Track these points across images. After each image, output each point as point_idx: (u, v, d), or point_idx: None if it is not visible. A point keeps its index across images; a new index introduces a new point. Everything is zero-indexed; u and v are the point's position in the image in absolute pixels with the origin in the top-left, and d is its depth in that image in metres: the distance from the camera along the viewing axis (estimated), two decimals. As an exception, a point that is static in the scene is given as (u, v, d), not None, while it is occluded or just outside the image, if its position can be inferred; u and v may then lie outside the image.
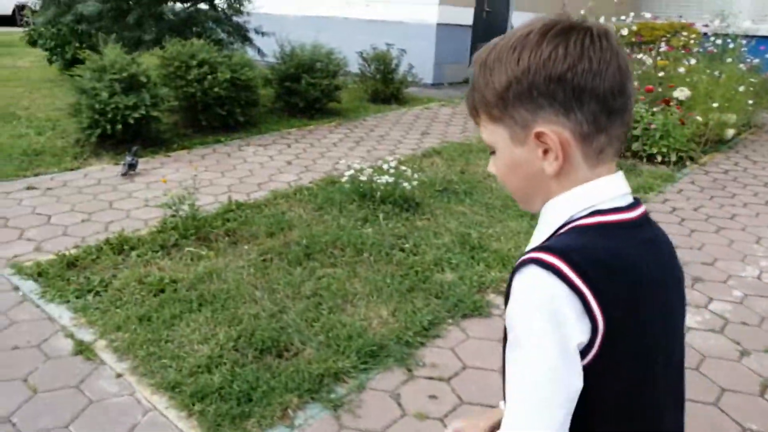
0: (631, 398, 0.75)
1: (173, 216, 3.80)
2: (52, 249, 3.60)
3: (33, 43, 9.41)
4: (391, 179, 4.23)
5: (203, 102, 6.25)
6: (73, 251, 3.54)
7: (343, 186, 4.60)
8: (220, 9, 7.71)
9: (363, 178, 4.29)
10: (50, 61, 9.51)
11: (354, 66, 8.54)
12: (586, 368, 0.69)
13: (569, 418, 0.68)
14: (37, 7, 7.85)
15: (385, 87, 8.66)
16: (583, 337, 0.68)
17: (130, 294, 3.08)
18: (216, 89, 6.17)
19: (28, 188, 4.65)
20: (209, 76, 6.17)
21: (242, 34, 7.73)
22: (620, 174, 0.79)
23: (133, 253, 3.54)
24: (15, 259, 3.47)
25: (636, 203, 0.79)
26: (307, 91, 7.21)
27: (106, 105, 5.39)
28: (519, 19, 11.85)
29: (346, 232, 3.86)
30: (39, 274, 3.27)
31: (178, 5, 7.49)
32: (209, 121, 6.40)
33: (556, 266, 0.68)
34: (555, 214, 0.77)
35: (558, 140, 0.73)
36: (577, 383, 0.68)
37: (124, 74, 5.56)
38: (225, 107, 6.35)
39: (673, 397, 0.83)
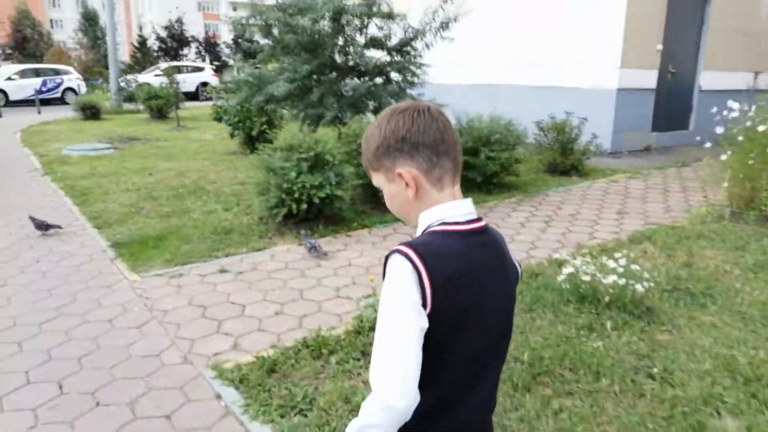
0: (446, 353, 1.11)
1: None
2: (250, 348, 3.37)
3: (218, 119, 10.10)
4: (621, 280, 3.53)
5: (383, 179, 6.04)
6: (271, 352, 3.27)
7: (553, 281, 3.98)
8: (395, 82, 7.65)
9: (585, 278, 3.64)
10: (232, 135, 10.12)
11: (528, 135, 8.01)
12: (428, 316, 1.06)
13: (420, 353, 1.05)
14: (222, 84, 8.38)
15: (564, 158, 7.99)
16: (418, 297, 1.06)
17: (338, 417, 2.68)
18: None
19: (221, 271, 4.60)
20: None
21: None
22: (467, 200, 1.19)
23: (333, 359, 3.19)
24: (215, 358, 3.27)
25: (477, 219, 1.18)
26: (485, 165, 6.78)
27: (293, 184, 5.34)
28: (708, 79, 10.66)
29: (572, 347, 3.22)
30: (240, 380, 3.01)
31: (356, 81, 7.54)
32: (388, 197, 6.16)
33: (407, 254, 1.08)
34: (421, 224, 1.19)
35: (410, 176, 1.16)
36: (422, 321, 1.06)
37: (311, 153, 5.51)
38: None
39: (493, 361, 1.21)
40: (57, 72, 25.20)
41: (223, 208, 6.35)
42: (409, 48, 7.34)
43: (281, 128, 9.88)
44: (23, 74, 23.72)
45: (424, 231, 1.17)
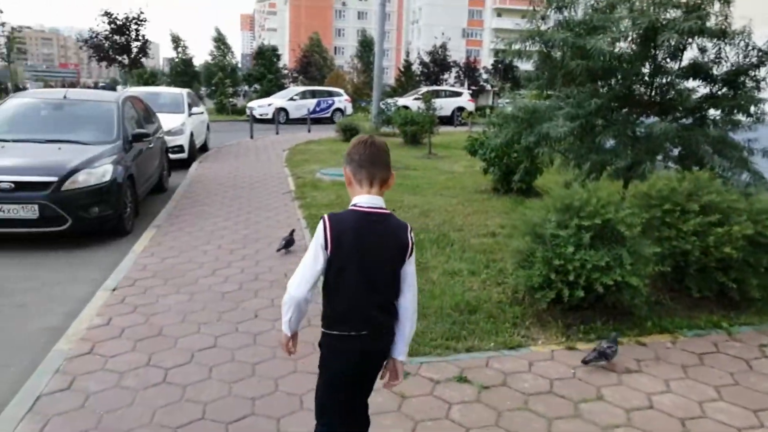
0: (336, 279, 2.01)
1: None
2: None
3: (473, 151, 9.03)
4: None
5: (699, 264, 4.19)
6: None
7: None
8: (713, 122, 5.63)
9: None
10: (486, 172, 8.96)
11: None
12: (328, 258, 1.99)
13: (316, 274, 2.01)
14: (481, 116, 7.26)
15: None
16: (323, 240, 1.97)
17: None
18: (725, 248, 4.04)
19: (459, 379, 3.34)
20: (717, 229, 4.09)
21: (743, 160, 5.43)
22: (377, 198, 2.04)
23: None
24: None
25: (380, 209, 2.04)
26: None
27: (569, 262, 3.85)
28: None
29: None
30: None
31: (655, 119, 5.71)
32: (701, 289, 4.28)
33: (324, 217, 2.00)
34: (350, 204, 2.06)
35: (349, 175, 2.08)
36: (323, 261, 1.99)
37: (597, 220, 3.95)
38: (733, 275, 4.15)
39: (373, 293, 2.04)
40: (330, 94, 27.43)
41: (468, 270, 5.14)
42: (745, 78, 5.28)
43: (541, 171, 8.47)
44: (303, 95, 26.27)
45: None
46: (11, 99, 7.91)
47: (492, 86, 47.27)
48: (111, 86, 45.48)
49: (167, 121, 11.66)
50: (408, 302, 2.11)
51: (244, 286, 4.86)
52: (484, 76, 45.52)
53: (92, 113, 7.48)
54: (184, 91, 13.63)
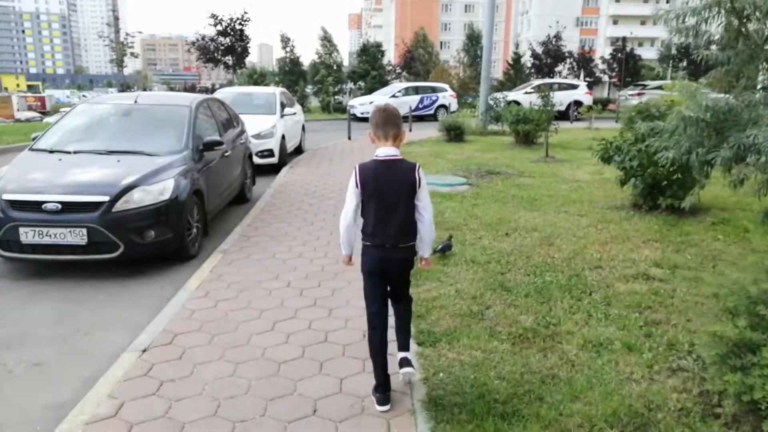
0: (365, 207, 2.88)
1: None
2: None
3: (606, 159, 7.27)
4: None
5: None
6: None
7: None
8: None
9: None
10: (623, 183, 7.17)
11: None
12: (360, 194, 2.88)
13: (358, 207, 2.92)
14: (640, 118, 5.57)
15: None
16: (355, 183, 2.86)
17: None
18: None
19: None
20: None
21: None
22: (391, 148, 2.85)
23: None
24: None
25: (394, 155, 2.85)
26: None
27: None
28: None
29: None
30: None
31: None
32: None
33: (355, 167, 2.88)
34: (375, 155, 2.91)
35: (372, 135, 2.92)
36: (358, 197, 2.89)
37: None
38: None
39: (392, 217, 2.84)
40: (434, 89, 26.02)
41: (622, 341, 3.56)
42: None
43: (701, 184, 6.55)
44: (405, 92, 25.08)
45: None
46: (81, 105, 7.28)
47: (609, 78, 43.54)
48: (126, 86, 45.59)
49: (257, 123, 10.88)
50: (425, 220, 2.93)
51: (308, 352, 3.63)
52: (601, 66, 41.93)
53: (161, 119, 6.63)
54: (278, 90, 12.83)
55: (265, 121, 11.13)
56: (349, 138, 16.00)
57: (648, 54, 48.45)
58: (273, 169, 10.84)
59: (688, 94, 3.65)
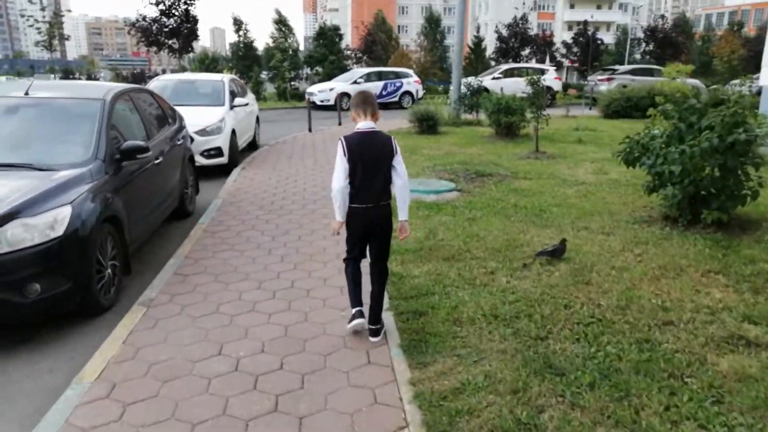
0: (352, 173, 3.33)
1: None
2: None
3: (631, 161, 5.96)
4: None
5: None
6: None
7: None
8: None
9: None
10: (651, 190, 5.88)
11: None
12: (347, 160, 3.33)
13: (344, 170, 3.33)
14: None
15: None
16: (343, 152, 3.33)
17: None
18: None
19: None
20: None
21: None
22: (369, 122, 3.43)
23: None
24: None
25: (371, 128, 3.42)
26: None
27: None
28: None
29: None
30: None
31: None
32: None
33: (341, 138, 3.38)
34: (356, 128, 3.50)
35: (353, 114, 3.49)
36: (346, 163, 3.32)
37: None
38: None
39: (374, 180, 3.37)
40: (397, 75, 24.47)
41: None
42: None
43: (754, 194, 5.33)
44: (368, 78, 23.46)
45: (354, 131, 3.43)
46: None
47: (571, 62, 42.85)
48: (69, 73, 42.53)
49: (202, 116, 9.19)
50: (399, 182, 3.41)
51: None
52: (563, 50, 41.14)
53: (61, 119, 4.94)
54: (226, 77, 11.08)
55: (212, 113, 9.44)
56: (310, 130, 14.37)
57: (604, 38, 48.02)
58: (222, 171, 9.20)
59: None
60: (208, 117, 9.24)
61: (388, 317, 3.84)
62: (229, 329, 3.74)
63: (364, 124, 3.41)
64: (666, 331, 3.50)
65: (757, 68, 32.16)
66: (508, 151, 10.55)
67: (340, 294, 4.27)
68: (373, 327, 3.53)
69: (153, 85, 10.70)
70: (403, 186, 3.41)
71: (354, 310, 3.53)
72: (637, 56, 41.26)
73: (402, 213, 3.44)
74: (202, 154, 8.91)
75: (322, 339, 3.60)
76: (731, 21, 53.21)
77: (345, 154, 3.31)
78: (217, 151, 9.15)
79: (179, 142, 6.66)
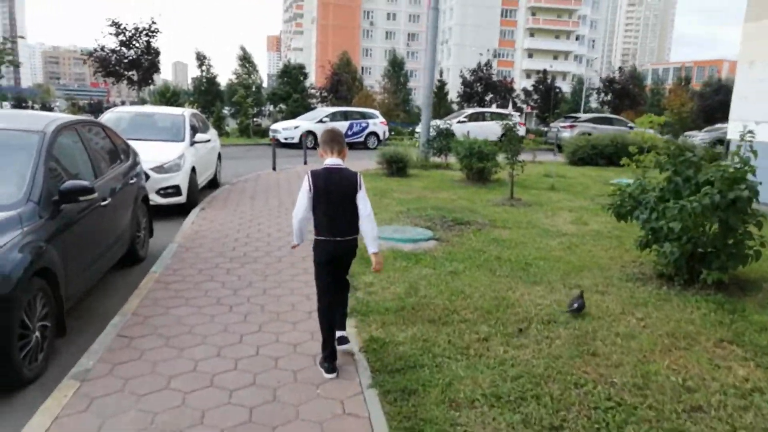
0: (316, 206, 3.49)
1: None
2: None
3: (622, 215, 5.62)
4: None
5: None
6: None
7: None
8: None
9: None
10: (644, 246, 5.53)
11: None
12: (311, 196, 3.49)
13: (306, 204, 3.52)
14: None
15: None
16: (308, 187, 3.48)
17: None
18: None
19: None
20: None
21: None
22: (336, 159, 3.54)
23: None
24: None
25: (338, 165, 3.53)
26: None
27: None
28: None
29: None
30: None
31: None
32: None
33: (308, 173, 3.53)
34: (324, 164, 3.59)
35: (321, 151, 3.60)
36: (309, 197, 3.49)
37: None
38: None
39: (339, 214, 3.49)
40: (363, 115, 24.26)
41: None
42: None
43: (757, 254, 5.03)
44: (333, 117, 23.14)
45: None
46: None
47: (533, 108, 43.85)
48: (21, 101, 40.57)
49: (160, 152, 8.55)
50: (364, 216, 3.51)
51: None
52: (523, 97, 42.09)
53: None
54: (187, 111, 10.45)
55: (171, 149, 8.80)
56: (274, 168, 13.80)
57: (561, 87, 49.51)
58: (180, 211, 8.51)
59: None
60: (166, 153, 8.60)
61: (371, 396, 3.26)
62: (181, 413, 3.09)
63: (331, 161, 3.56)
64: (697, 420, 3.03)
65: (707, 122, 33.49)
66: (481, 197, 10.21)
67: (314, 364, 3.68)
68: (342, 335, 3.80)
69: (107, 117, 9.99)
70: (368, 219, 3.52)
71: (325, 362, 3.60)
72: (593, 105, 42.63)
73: (371, 246, 3.57)
74: (158, 192, 8.24)
75: (294, 426, 2.99)
76: (678, 76, 55.75)
77: (310, 190, 3.49)
78: (175, 190, 8.47)
79: (132, 181, 6.01)
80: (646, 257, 5.95)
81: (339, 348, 3.67)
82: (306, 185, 3.47)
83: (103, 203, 4.89)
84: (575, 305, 4.56)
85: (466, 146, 11.80)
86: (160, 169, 8.28)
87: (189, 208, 8.64)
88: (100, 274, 5.03)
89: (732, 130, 10.76)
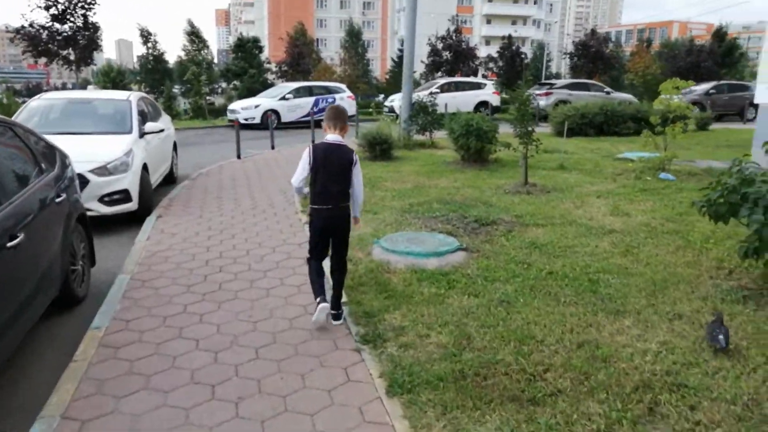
0: (315, 177, 3.82)
1: None
2: None
3: (720, 216, 4.33)
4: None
5: None
6: None
7: None
8: None
9: None
10: (749, 254, 4.27)
11: None
12: (311, 166, 3.83)
13: (304, 174, 3.88)
14: None
15: None
16: (308, 158, 3.83)
17: None
18: None
19: None
20: None
21: None
22: (336, 135, 3.90)
23: None
24: None
25: (338, 141, 3.89)
26: None
27: None
28: None
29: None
30: None
31: None
32: None
33: (309, 146, 3.92)
34: (324, 139, 3.97)
35: (324, 125, 3.98)
36: (308, 169, 3.84)
37: None
38: None
39: (333, 185, 3.82)
40: (329, 90, 22.52)
41: None
42: None
43: None
44: (297, 93, 21.34)
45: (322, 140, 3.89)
46: None
47: (498, 76, 42.64)
48: None
49: (101, 149, 6.89)
50: (355, 188, 3.91)
51: None
52: (489, 65, 40.76)
53: None
54: (134, 95, 8.62)
55: (115, 145, 7.09)
56: (239, 157, 12.09)
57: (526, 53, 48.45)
58: (131, 221, 6.88)
59: None
60: (109, 150, 6.90)
61: None
62: None
63: (332, 137, 3.90)
64: None
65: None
66: (488, 183, 8.83)
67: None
68: (335, 312, 3.99)
69: (32, 105, 8.14)
70: (358, 193, 3.97)
71: (318, 299, 3.89)
72: (554, 71, 41.72)
73: (355, 211, 4.06)
74: (102, 200, 6.58)
75: None
76: (640, 38, 55.30)
77: (309, 160, 3.82)
78: (124, 196, 6.79)
79: (59, 198, 4.37)
80: (734, 262, 4.70)
81: (333, 323, 3.97)
82: (306, 157, 3.84)
83: (10, 244, 3.28)
84: (720, 336, 3.38)
85: (462, 123, 10.33)
86: (102, 170, 6.59)
87: (142, 217, 6.99)
88: (15, 343, 3.45)
89: (760, 93, 9.69)
